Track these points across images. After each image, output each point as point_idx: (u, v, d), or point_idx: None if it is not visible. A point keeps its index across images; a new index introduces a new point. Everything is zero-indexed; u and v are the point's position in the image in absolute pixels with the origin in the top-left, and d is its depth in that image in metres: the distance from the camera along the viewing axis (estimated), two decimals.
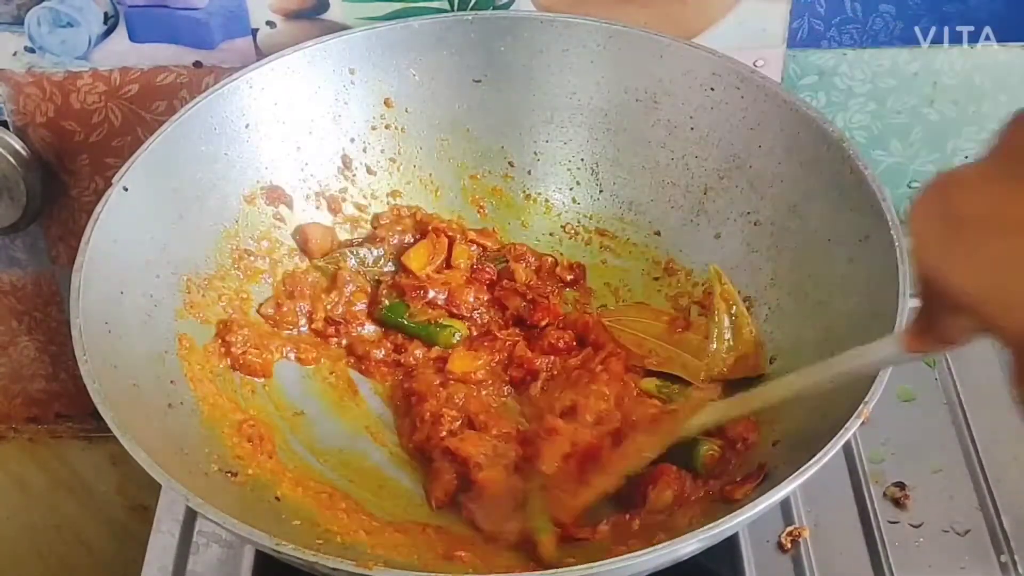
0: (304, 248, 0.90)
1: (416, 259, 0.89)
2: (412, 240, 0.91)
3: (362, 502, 0.77)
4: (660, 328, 0.86)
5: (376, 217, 0.92)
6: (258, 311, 0.86)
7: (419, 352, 0.86)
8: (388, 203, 0.93)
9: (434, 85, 0.91)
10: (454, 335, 0.86)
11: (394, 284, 0.89)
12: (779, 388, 0.73)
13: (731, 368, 0.82)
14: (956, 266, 0.39)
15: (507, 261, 0.91)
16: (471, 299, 0.88)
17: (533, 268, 0.91)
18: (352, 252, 0.90)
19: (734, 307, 0.83)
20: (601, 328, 0.86)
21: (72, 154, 1.01)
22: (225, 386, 0.80)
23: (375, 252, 0.90)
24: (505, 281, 0.90)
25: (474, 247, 0.91)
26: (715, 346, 0.82)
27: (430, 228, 0.91)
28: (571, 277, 0.91)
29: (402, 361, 0.86)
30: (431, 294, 0.88)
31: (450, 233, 0.90)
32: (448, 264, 0.90)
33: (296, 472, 0.77)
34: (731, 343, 0.82)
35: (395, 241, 0.91)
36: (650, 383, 0.83)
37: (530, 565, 0.70)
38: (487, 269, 0.90)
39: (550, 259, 0.92)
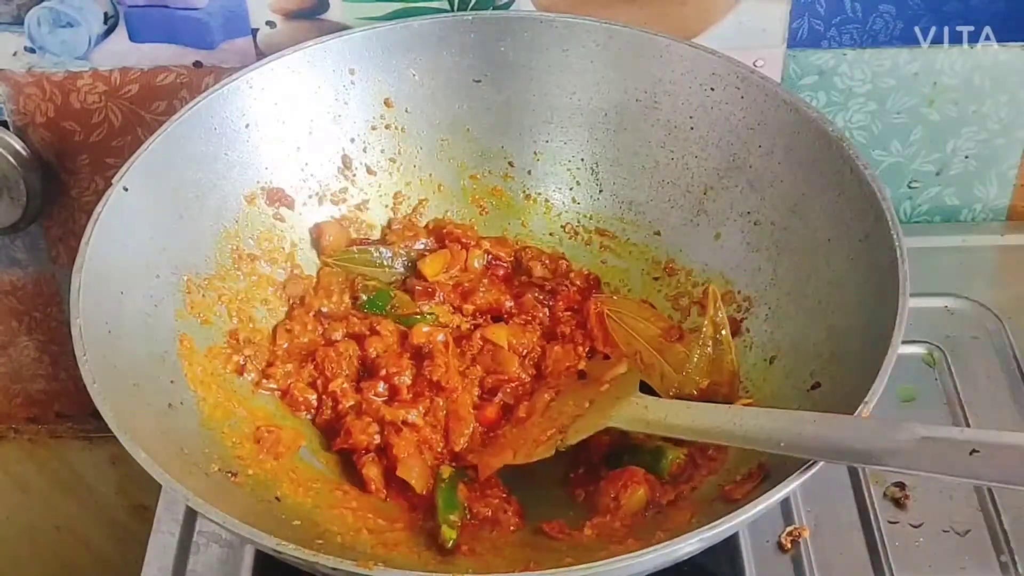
0: (317, 244, 0.90)
1: (431, 266, 0.89)
2: (424, 245, 0.92)
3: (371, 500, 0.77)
4: (654, 332, 0.86)
5: (389, 222, 0.93)
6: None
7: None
8: (392, 205, 0.93)
9: (434, 85, 0.91)
10: (433, 320, 0.87)
11: (404, 286, 0.89)
12: (715, 422, 0.72)
13: (701, 392, 0.81)
14: None
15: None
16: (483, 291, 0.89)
17: (550, 269, 0.92)
18: (364, 250, 0.90)
19: (723, 331, 0.82)
20: (599, 321, 0.87)
21: (72, 154, 1.01)
22: (230, 388, 0.80)
23: (387, 252, 0.91)
24: (523, 277, 0.91)
25: (488, 256, 0.91)
26: (692, 367, 0.82)
27: (444, 232, 0.91)
28: (581, 284, 0.91)
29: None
30: (439, 296, 0.88)
31: (464, 240, 0.91)
32: (463, 270, 0.90)
33: (300, 473, 0.77)
34: (708, 368, 0.82)
35: (407, 244, 0.91)
36: None
37: (530, 565, 0.70)
38: (501, 264, 0.91)
39: (564, 263, 0.92)
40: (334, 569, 0.61)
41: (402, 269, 0.91)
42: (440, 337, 0.84)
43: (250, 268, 0.86)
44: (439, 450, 0.80)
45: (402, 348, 0.84)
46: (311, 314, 0.86)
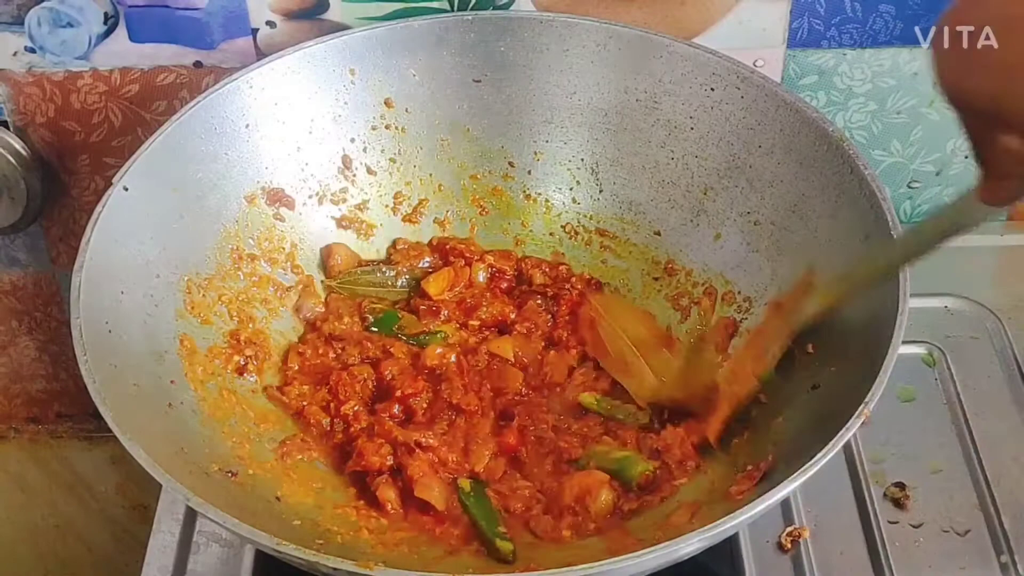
0: (325, 265, 0.90)
1: (436, 284, 0.89)
2: (428, 263, 0.92)
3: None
4: (644, 335, 0.86)
5: (394, 243, 0.93)
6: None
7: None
8: (392, 205, 0.93)
9: (434, 85, 0.91)
10: (443, 338, 0.86)
11: (407, 305, 0.89)
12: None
13: (673, 402, 0.82)
14: (972, 76, 0.49)
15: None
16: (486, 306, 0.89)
17: (550, 276, 0.92)
18: (367, 271, 0.90)
19: (711, 349, 0.83)
20: (587, 324, 0.87)
21: (72, 154, 1.01)
22: (231, 388, 0.81)
23: (390, 272, 0.91)
24: (524, 286, 0.91)
25: (491, 269, 0.91)
26: (674, 374, 0.82)
27: (447, 248, 0.92)
28: (582, 288, 0.91)
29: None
30: (444, 314, 0.88)
31: (468, 255, 0.91)
32: (468, 286, 0.90)
33: (300, 473, 0.77)
34: (687, 381, 0.82)
35: (411, 263, 0.91)
36: (589, 397, 0.83)
37: (531, 565, 0.70)
38: (504, 277, 0.91)
39: (564, 268, 0.92)
40: (334, 569, 0.61)
41: (406, 287, 0.90)
42: (452, 358, 0.84)
43: (250, 268, 0.86)
44: (452, 464, 0.79)
45: (416, 369, 0.84)
46: (323, 339, 0.86)
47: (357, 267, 0.91)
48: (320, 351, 0.85)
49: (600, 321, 0.86)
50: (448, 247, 0.92)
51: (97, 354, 0.70)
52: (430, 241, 0.93)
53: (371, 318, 0.88)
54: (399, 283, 0.90)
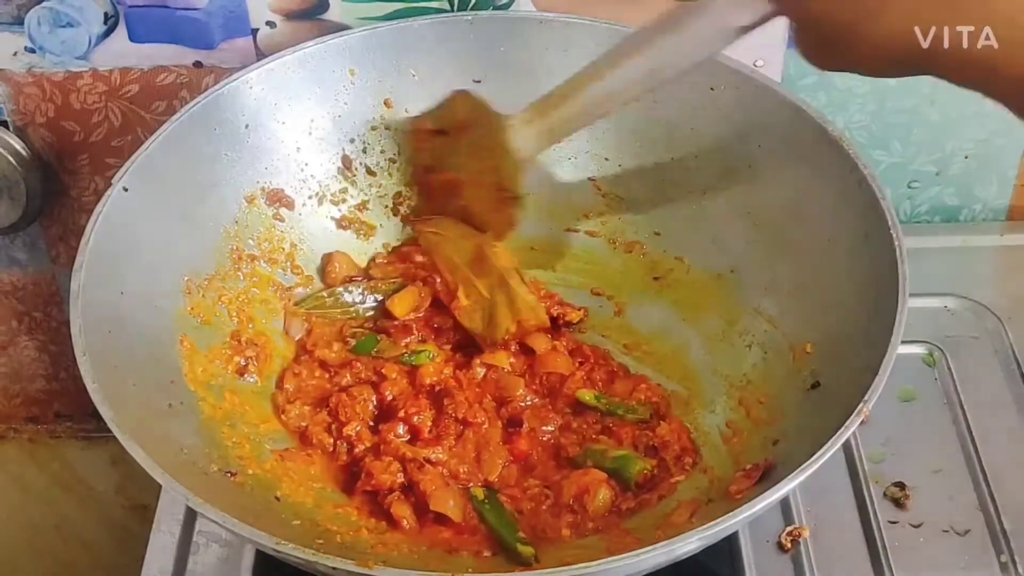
0: (323, 271, 0.89)
1: (400, 306, 0.87)
2: (398, 275, 0.90)
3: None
4: (469, 252, 0.85)
5: (374, 256, 0.92)
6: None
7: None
8: (392, 205, 0.93)
9: (434, 85, 0.91)
10: (430, 357, 0.85)
11: (375, 326, 0.88)
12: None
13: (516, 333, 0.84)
14: None
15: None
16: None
17: None
18: (332, 292, 0.89)
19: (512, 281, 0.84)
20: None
21: (72, 154, 1.01)
22: (231, 388, 0.80)
23: (356, 291, 0.89)
24: None
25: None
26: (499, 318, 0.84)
27: (404, 253, 0.91)
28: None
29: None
30: (416, 333, 0.87)
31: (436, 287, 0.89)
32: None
33: (300, 473, 0.77)
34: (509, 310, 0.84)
35: (386, 277, 0.90)
36: (587, 394, 0.83)
37: (530, 565, 0.70)
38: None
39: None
40: (334, 569, 0.61)
41: (373, 304, 0.89)
42: (449, 373, 0.83)
43: (250, 268, 0.86)
44: (463, 476, 0.78)
45: (415, 388, 0.83)
46: (316, 362, 0.85)
47: (322, 291, 0.89)
48: (316, 374, 0.84)
49: (433, 247, 0.86)
50: (406, 252, 0.91)
51: (97, 354, 0.70)
52: (395, 248, 0.92)
53: (353, 342, 0.87)
54: (366, 302, 0.89)
